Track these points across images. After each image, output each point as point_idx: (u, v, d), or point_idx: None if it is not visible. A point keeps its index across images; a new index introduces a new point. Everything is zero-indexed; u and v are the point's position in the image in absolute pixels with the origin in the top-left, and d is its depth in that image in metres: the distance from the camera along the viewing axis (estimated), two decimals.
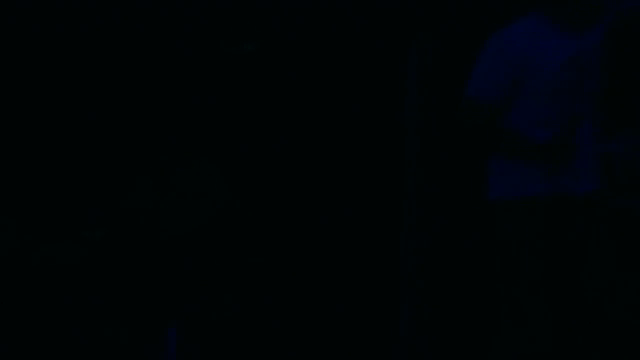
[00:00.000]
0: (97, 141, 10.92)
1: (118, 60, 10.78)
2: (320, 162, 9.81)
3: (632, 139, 7.53)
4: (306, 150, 9.91)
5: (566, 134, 6.69)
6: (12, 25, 11.16)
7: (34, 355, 9.03)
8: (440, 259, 9.34)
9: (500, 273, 6.87)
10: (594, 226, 7.09)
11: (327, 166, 9.75)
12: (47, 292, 9.75)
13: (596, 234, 7.06)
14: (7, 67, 11.14)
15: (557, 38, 6.69)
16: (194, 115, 10.81)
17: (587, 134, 6.76)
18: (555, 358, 6.61)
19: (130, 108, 10.88)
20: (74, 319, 9.27)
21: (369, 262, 9.60)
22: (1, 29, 11.09)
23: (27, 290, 10.01)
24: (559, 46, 6.67)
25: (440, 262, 9.33)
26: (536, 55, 6.65)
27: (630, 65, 7.76)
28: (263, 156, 10.23)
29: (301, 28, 10.24)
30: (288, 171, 10.10)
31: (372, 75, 9.70)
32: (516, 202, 6.82)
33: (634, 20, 7.90)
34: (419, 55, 9.28)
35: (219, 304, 9.25)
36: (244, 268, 9.67)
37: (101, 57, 10.73)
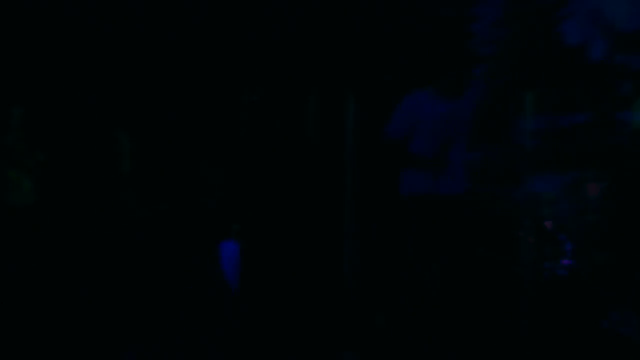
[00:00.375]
0: None
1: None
2: (286, 181, 11.15)
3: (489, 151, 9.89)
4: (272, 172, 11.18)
5: (441, 154, 8.64)
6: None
7: None
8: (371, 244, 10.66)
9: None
10: (461, 217, 8.91)
11: (292, 184, 11.11)
12: None
13: (461, 223, 8.85)
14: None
15: (435, 105, 8.69)
16: None
17: (458, 152, 8.71)
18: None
19: None
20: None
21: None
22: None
23: None
24: (429, 106, 8.70)
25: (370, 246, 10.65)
26: (420, 116, 8.70)
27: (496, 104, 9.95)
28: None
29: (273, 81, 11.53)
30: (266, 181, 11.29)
31: (327, 117, 11.20)
32: (411, 200, 8.86)
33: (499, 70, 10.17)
34: (355, 109, 10.72)
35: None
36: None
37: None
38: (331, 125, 11.09)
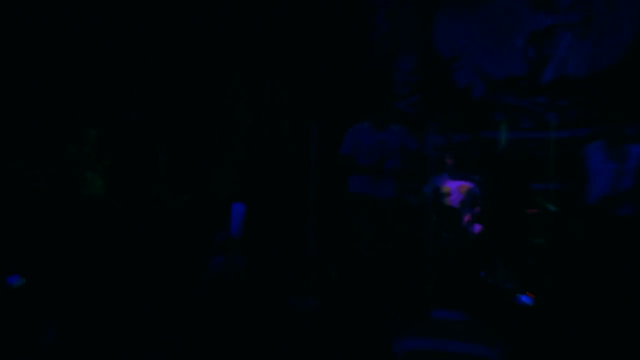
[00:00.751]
0: None
1: None
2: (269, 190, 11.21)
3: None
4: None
5: (377, 166, 8.83)
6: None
7: None
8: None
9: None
10: (394, 214, 9.12)
11: (276, 179, 11.28)
12: None
13: (385, 209, 8.99)
14: None
15: (371, 134, 8.94)
16: None
17: (389, 165, 8.83)
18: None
19: None
20: None
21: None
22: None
23: None
24: (377, 138, 8.89)
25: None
26: (362, 140, 8.95)
27: None
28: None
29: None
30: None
31: (298, 138, 11.28)
32: (356, 196, 9.04)
33: None
34: (317, 133, 10.96)
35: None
36: None
37: None
38: (301, 143, 11.16)
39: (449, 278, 5.49)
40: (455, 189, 10.23)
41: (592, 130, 10.23)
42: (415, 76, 11.59)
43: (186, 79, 11.41)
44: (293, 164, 11.26)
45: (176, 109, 11.35)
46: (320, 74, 11.39)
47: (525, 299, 7.98)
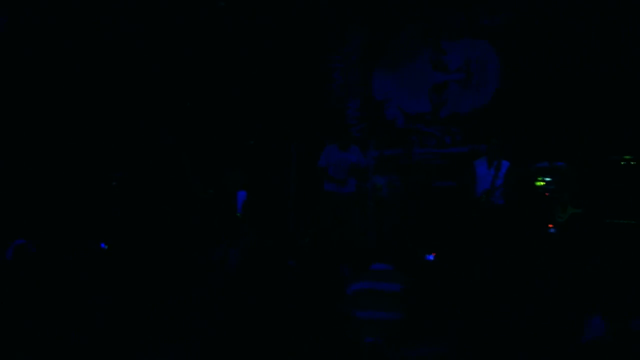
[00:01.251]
0: None
1: None
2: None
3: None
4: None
5: (344, 178, 8.91)
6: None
7: None
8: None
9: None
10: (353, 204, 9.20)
11: (268, 181, 10.95)
12: None
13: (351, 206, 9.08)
14: None
15: (341, 154, 8.91)
16: None
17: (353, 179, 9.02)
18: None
19: None
20: None
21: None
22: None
23: None
24: (337, 154, 8.94)
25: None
26: (330, 158, 8.94)
27: None
28: None
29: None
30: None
31: (283, 155, 10.84)
32: (328, 192, 9.04)
33: None
34: (296, 149, 10.61)
35: None
36: None
37: None
38: (286, 156, 10.84)
39: (383, 244, 5.64)
40: (384, 185, 10.19)
41: (471, 148, 10.33)
42: (360, 112, 11.60)
43: (208, 110, 11.14)
44: (280, 169, 10.98)
45: (201, 132, 10.98)
46: (298, 112, 11.35)
47: (430, 257, 8.11)
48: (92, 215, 9.20)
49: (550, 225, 8.18)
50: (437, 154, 11.01)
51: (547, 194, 8.86)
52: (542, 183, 9.08)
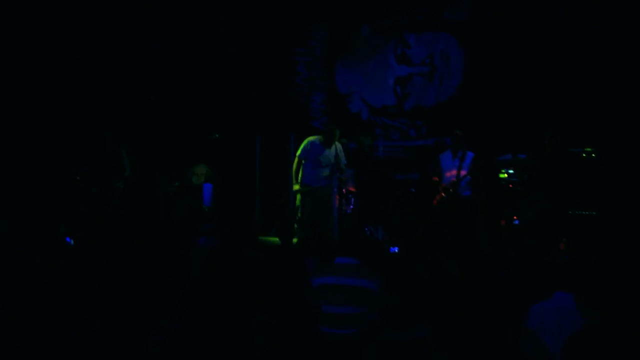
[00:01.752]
0: None
1: None
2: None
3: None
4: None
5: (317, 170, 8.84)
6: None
7: None
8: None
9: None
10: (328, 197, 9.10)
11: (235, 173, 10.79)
12: None
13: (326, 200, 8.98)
14: None
15: (320, 148, 8.82)
16: None
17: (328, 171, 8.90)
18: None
19: None
20: None
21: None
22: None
23: None
24: (319, 150, 8.84)
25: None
26: (311, 152, 8.83)
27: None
28: None
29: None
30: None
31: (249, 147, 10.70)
32: (305, 185, 8.90)
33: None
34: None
35: None
36: None
37: None
38: (251, 149, 10.75)
39: (347, 237, 5.61)
40: (350, 178, 10.09)
41: (436, 140, 10.32)
42: (324, 105, 11.52)
43: (172, 104, 11.00)
44: (245, 163, 10.91)
45: (165, 126, 10.86)
46: (263, 105, 11.21)
47: (394, 249, 8.15)
48: (57, 209, 9.10)
49: (515, 217, 8.22)
50: (401, 146, 11.08)
51: (510, 186, 8.82)
52: (504, 175, 9.06)
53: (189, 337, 4.58)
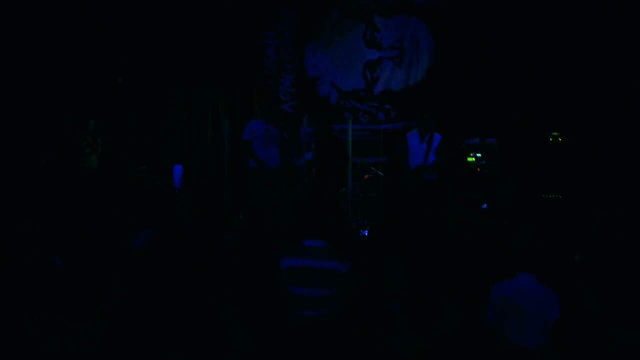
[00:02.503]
0: None
1: None
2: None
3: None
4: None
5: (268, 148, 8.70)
6: None
7: None
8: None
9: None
10: (281, 179, 9.07)
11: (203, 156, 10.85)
12: None
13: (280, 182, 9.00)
14: None
15: (264, 126, 8.68)
16: None
17: (275, 147, 8.78)
18: None
19: None
20: None
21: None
22: None
23: None
24: (259, 126, 8.71)
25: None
26: (255, 130, 8.68)
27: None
28: None
29: None
30: None
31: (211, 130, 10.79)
32: (252, 168, 8.78)
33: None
34: (229, 126, 10.29)
35: None
36: None
37: None
38: (218, 136, 10.83)
39: (314, 219, 5.45)
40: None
41: (405, 124, 10.32)
42: (293, 89, 11.43)
43: (140, 87, 10.93)
44: (213, 146, 10.89)
45: (133, 109, 10.85)
46: (231, 88, 11.14)
47: (364, 232, 8.11)
48: (23, 191, 8.94)
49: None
50: (370, 130, 11.03)
51: (478, 169, 8.84)
52: (472, 159, 9.10)
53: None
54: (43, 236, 5.60)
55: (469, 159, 9.04)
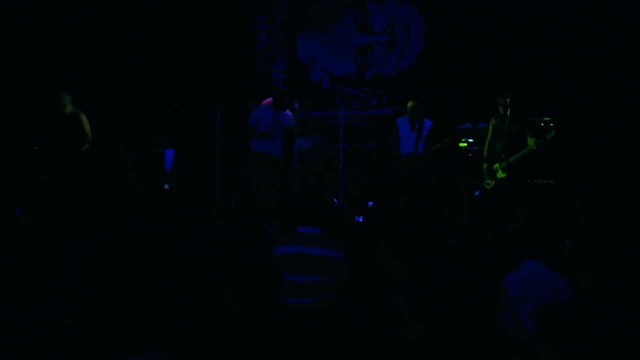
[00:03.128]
0: None
1: None
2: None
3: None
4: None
5: (272, 135, 8.59)
6: None
7: None
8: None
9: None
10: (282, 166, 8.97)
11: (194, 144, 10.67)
12: None
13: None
14: None
15: (272, 114, 8.60)
16: None
17: (280, 135, 8.69)
18: None
19: None
20: None
21: None
22: None
23: None
24: (268, 113, 8.62)
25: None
26: (262, 117, 8.61)
27: None
28: None
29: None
30: None
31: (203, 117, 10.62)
32: (256, 154, 8.73)
33: None
34: (221, 112, 10.36)
35: None
36: None
37: None
38: (210, 122, 10.60)
39: (310, 206, 5.48)
40: (312, 147, 10.06)
41: (396, 109, 10.25)
42: (285, 74, 11.37)
43: (131, 73, 10.80)
44: (205, 132, 10.75)
45: (124, 95, 10.69)
46: (223, 74, 11.02)
47: (358, 218, 8.13)
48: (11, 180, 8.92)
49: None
50: (362, 115, 11.02)
51: (470, 155, 8.86)
52: (464, 144, 9.11)
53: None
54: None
55: (461, 145, 8.97)
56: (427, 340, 4.31)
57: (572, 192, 8.07)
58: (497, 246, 5.40)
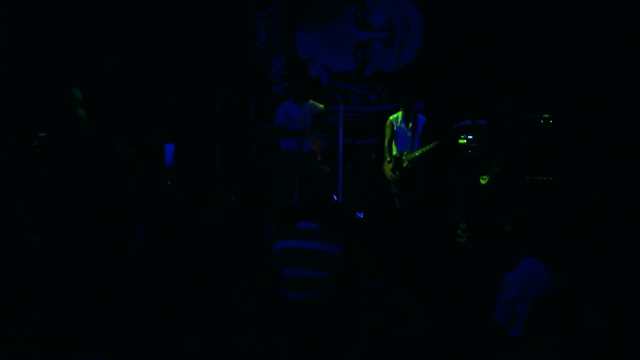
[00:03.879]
0: None
1: None
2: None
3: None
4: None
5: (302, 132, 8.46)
6: None
7: None
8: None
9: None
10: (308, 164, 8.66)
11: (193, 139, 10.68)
12: None
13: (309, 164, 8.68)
14: None
15: (297, 108, 8.51)
16: None
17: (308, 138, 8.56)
18: None
19: None
20: None
21: None
22: None
23: None
24: (294, 109, 8.53)
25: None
26: (291, 114, 8.48)
27: None
28: None
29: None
30: None
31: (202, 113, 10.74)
32: (285, 152, 8.48)
33: None
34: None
35: None
36: None
37: None
38: (209, 119, 10.73)
39: (309, 202, 5.54)
40: (316, 144, 10.06)
41: (395, 106, 10.19)
42: (284, 70, 11.37)
43: (130, 69, 10.70)
44: (204, 129, 10.81)
45: (123, 91, 10.54)
46: (222, 70, 11.03)
47: (359, 214, 8.14)
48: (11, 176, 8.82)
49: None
50: (361, 111, 11.01)
51: (469, 151, 8.86)
52: (464, 141, 9.11)
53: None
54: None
55: (460, 141, 8.98)
56: (423, 337, 4.37)
57: (571, 189, 8.12)
58: (495, 244, 5.40)
